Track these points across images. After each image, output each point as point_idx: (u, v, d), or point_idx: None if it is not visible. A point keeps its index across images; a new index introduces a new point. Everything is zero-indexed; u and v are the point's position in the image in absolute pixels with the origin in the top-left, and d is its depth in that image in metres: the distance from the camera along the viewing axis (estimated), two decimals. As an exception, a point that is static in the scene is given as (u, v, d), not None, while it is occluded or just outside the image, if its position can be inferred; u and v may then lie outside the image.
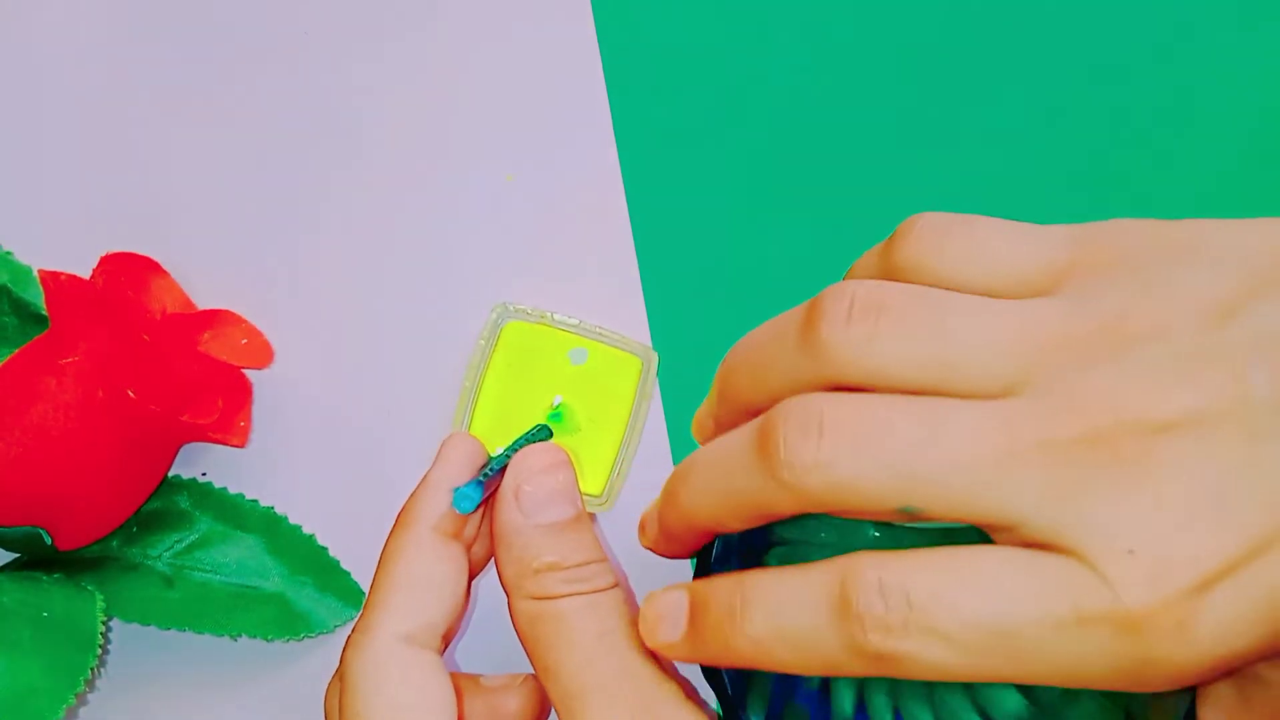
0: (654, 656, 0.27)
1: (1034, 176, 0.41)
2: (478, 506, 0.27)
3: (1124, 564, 0.20)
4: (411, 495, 0.29)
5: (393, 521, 0.30)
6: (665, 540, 0.28)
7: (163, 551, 0.36)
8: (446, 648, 0.29)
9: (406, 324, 0.39)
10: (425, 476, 0.29)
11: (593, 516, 0.39)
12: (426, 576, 0.27)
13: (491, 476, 0.28)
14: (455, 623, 0.28)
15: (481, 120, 0.40)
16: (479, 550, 0.31)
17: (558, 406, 0.39)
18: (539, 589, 0.27)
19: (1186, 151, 0.42)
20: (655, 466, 0.39)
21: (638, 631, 0.26)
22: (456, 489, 0.27)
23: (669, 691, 0.26)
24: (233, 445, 0.37)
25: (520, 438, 0.31)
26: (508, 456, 0.28)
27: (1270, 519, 0.20)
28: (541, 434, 0.36)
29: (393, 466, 0.38)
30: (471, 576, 0.31)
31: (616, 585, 0.27)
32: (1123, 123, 0.42)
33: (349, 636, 0.27)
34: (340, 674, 0.27)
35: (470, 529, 0.30)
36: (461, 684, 0.29)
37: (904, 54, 0.41)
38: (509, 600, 0.27)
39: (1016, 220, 0.25)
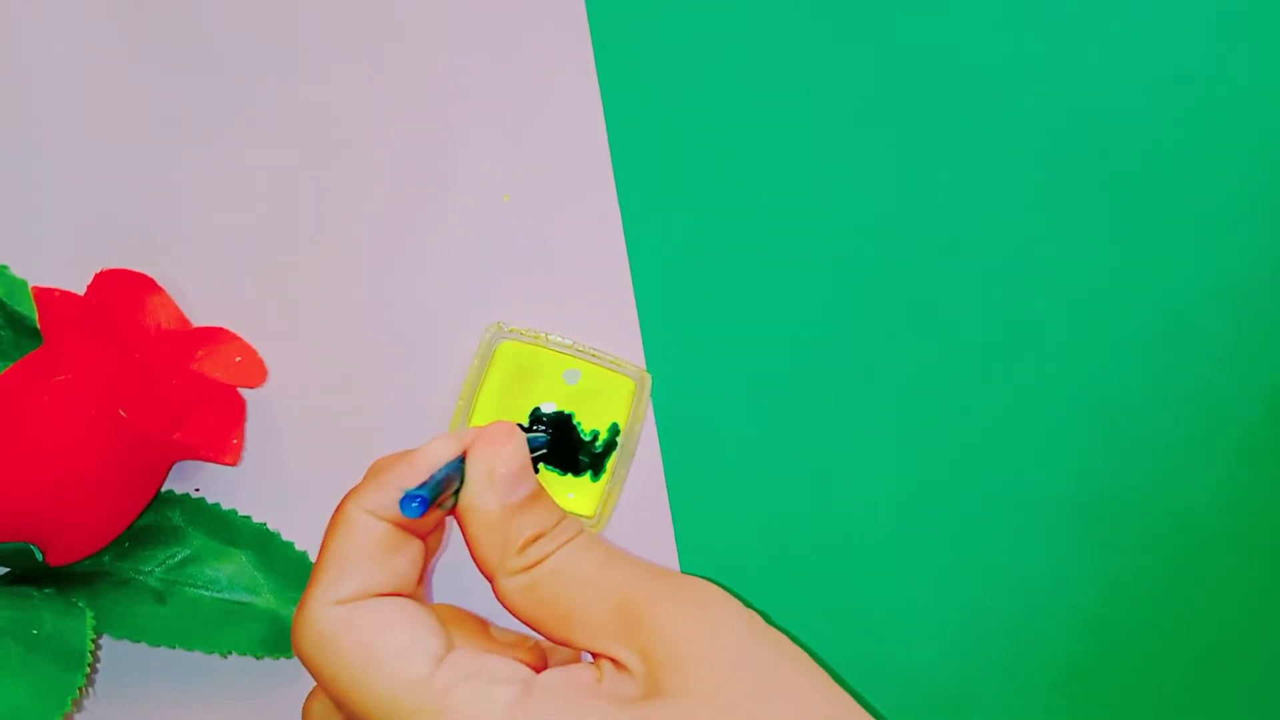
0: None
1: (1034, 184, 0.41)
2: (426, 511, 0.26)
3: None
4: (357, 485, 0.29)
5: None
6: None
7: (155, 567, 0.36)
8: (416, 589, 0.28)
9: (401, 343, 0.39)
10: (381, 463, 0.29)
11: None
12: (350, 549, 0.27)
13: (449, 477, 0.28)
14: (407, 577, 0.28)
15: (478, 141, 0.40)
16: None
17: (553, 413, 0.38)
18: (526, 560, 0.27)
19: (1187, 158, 0.42)
20: (648, 488, 0.39)
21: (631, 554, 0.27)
22: (406, 492, 0.26)
23: (690, 577, 0.27)
24: (225, 464, 0.37)
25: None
26: (460, 460, 0.28)
27: None
28: (538, 439, 0.36)
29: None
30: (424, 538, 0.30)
31: (584, 528, 0.28)
32: (1123, 131, 0.41)
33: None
34: (302, 660, 0.26)
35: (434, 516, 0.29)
36: (473, 625, 0.29)
37: (902, 78, 0.41)
38: (494, 583, 0.27)
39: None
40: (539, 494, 0.28)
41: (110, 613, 0.35)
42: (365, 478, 0.28)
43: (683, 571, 0.39)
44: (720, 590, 0.27)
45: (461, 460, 0.28)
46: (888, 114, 0.41)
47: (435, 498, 0.27)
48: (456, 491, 0.28)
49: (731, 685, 0.25)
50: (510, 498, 0.27)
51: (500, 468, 0.27)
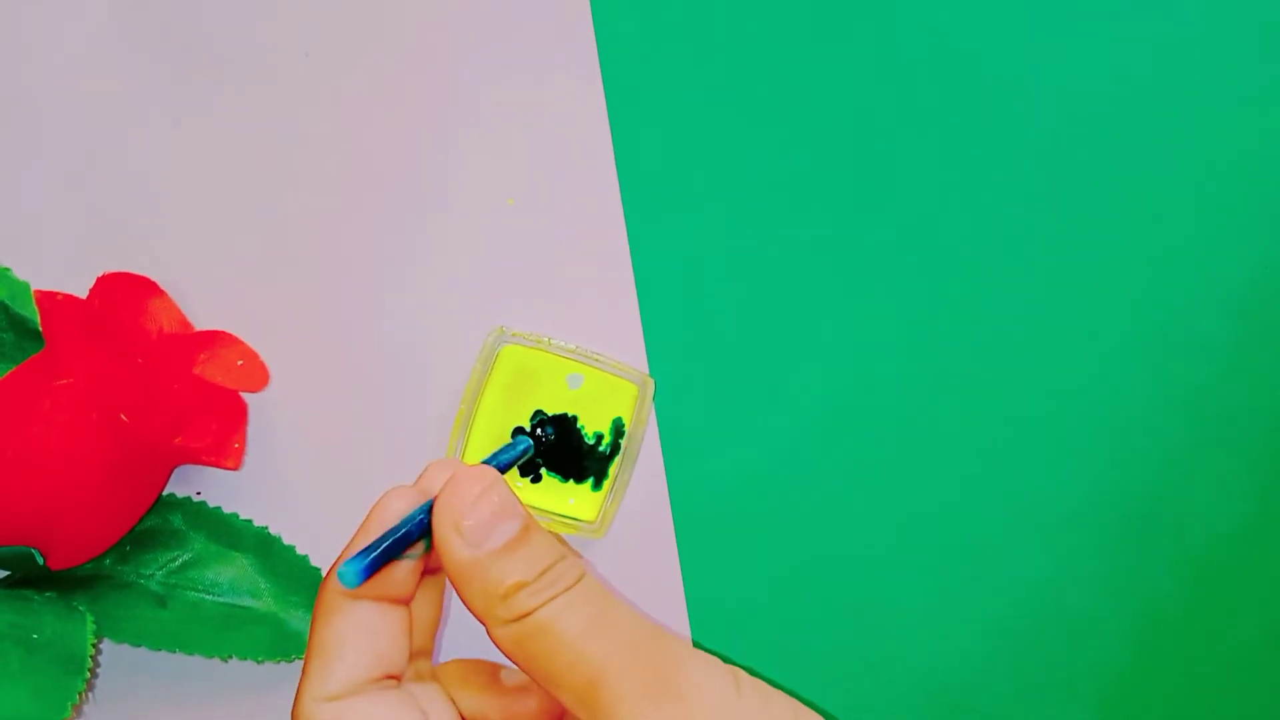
0: (645, 617, 0.27)
1: (1043, 190, 0.41)
2: (370, 576, 0.26)
3: None
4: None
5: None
6: None
7: (156, 570, 0.36)
8: (414, 661, 0.28)
9: (404, 346, 0.39)
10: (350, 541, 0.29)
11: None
12: (333, 639, 0.27)
13: (398, 538, 0.27)
14: (394, 656, 0.27)
15: (482, 145, 0.40)
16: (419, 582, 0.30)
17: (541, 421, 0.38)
18: (512, 611, 0.26)
19: (1196, 164, 0.42)
20: (650, 493, 0.39)
21: (623, 604, 0.26)
22: (340, 568, 0.26)
23: (676, 650, 0.26)
24: (227, 468, 0.37)
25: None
26: (423, 511, 0.27)
27: None
28: (519, 448, 0.35)
29: (387, 489, 0.38)
30: (407, 603, 0.30)
31: (585, 573, 0.27)
32: (1128, 136, 0.41)
33: None
34: None
35: (403, 573, 0.28)
36: (480, 677, 0.29)
37: (909, 84, 0.41)
38: (487, 630, 0.27)
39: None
40: (526, 535, 0.26)
41: (111, 616, 0.35)
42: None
43: (684, 581, 0.39)
44: (703, 665, 0.26)
45: (425, 509, 0.27)
46: (894, 125, 0.41)
47: (380, 560, 0.26)
48: (423, 539, 0.27)
49: None
50: (484, 547, 0.26)
51: (466, 520, 0.26)
